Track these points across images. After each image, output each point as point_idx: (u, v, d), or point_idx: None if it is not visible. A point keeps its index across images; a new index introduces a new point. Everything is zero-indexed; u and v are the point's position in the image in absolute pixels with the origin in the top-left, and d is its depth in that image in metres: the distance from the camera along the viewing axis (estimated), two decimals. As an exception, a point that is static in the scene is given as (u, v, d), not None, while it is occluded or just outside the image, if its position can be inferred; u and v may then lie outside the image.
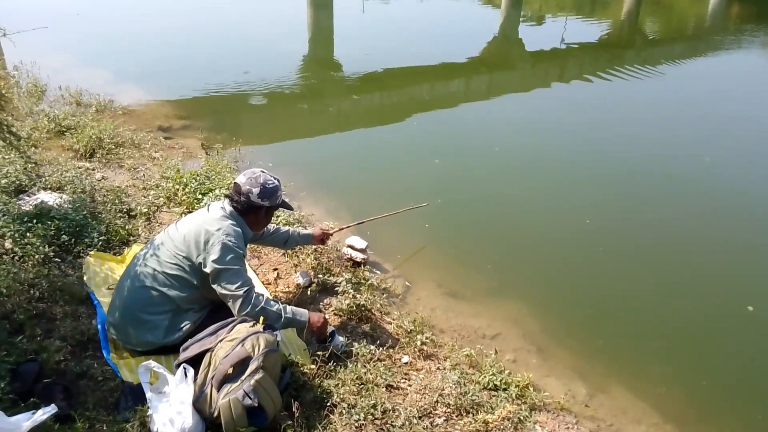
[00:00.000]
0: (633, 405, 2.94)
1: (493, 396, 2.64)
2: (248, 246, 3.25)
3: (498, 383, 2.71)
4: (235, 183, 2.57)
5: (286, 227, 3.28)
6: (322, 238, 3.31)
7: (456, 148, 6.11)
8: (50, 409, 1.84)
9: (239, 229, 2.49)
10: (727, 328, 3.58)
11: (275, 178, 2.61)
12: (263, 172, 2.59)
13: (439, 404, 2.49)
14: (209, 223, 2.43)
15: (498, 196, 5.04)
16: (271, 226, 3.02)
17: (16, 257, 2.85)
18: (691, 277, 4.07)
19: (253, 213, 2.58)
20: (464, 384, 2.63)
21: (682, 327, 3.56)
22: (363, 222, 3.71)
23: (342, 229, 3.62)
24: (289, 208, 2.82)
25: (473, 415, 2.43)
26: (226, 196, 2.61)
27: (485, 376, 2.74)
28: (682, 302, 3.77)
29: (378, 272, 3.62)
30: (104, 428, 1.94)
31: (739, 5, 18.81)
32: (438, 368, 2.82)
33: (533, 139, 6.44)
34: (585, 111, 7.75)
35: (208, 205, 2.58)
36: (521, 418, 2.49)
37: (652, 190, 5.29)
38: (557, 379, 3.03)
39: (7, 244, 2.91)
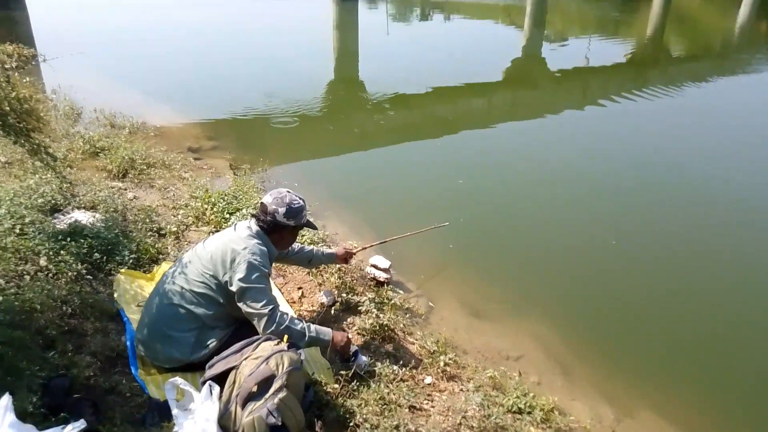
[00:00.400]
0: (662, 431, 2.86)
1: (518, 419, 2.61)
2: (274, 265, 3.30)
3: (522, 406, 2.68)
4: (261, 203, 2.62)
5: (311, 246, 3.32)
6: (346, 257, 3.34)
7: (479, 167, 6.12)
8: (79, 424, 1.87)
9: (265, 248, 2.53)
10: None
11: (301, 198, 2.65)
12: (289, 192, 2.64)
13: (462, 426, 2.46)
14: (236, 242, 2.48)
15: (521, 215, 5.03)
16: (296, 245, 3.06)
17: (50, 274, 2.94)
18: (727, 298, 3.94)
19: (279, 232, 2.62)
20: (488, 406, 2.60)
21: (718, 350, 3.46)
22: (385, 241, 3.73)
23: (365, 248, 3.65)
24: (314, 227, 2.86)
25: (497, 438, 2.40)
26: (253, 215, 2.66)
27: (509, 399, 2.70)
28: (717, 324, 3.67)
29: (401, 292, 3.62)
30: (131, 443, 1.97)
31: (768, 22, 18.56)
32: (461, 390, 2.80)
33: (556, 159, 6.40)
34: (608, 131, 7.71)
35: (235, 225, 2.64)
36: (546, 442, 2.45)
37: (681, 211, 5.19)
38: (583, 402, 2.98)
39: (42, 262, 3.00)
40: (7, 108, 2.37)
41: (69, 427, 1.86)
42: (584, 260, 4.33)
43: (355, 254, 3.45)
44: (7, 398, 1.79)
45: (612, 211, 5.18)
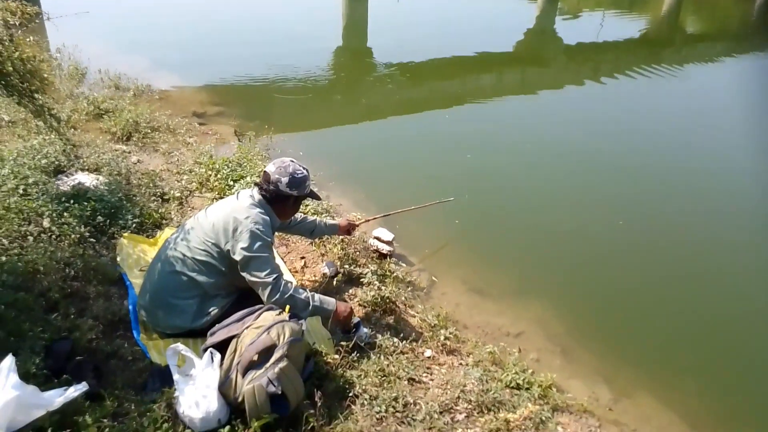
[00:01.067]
0: (659, 413, 2.88)
1: (516, 395, 2.62)
2: (276, 234, 3.29)
3: (521, 382, 2.69)
4: (264, 171, 2.59)
5: (314, 217, 3.30)
6: (348, 228, 3.32)
7: (486, 143, 6.05)
8: (81, 387, 1.89)
9: (267, 218, 2.51)
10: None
11: (304, 168, 2.62)
12: (292, 161, 2.61)
13: (460, 400, 2.48)
14: (238, 211, 2.46)
15: (528, 193, 4.98)
16: (299, 215, 3.04)
17: (54, 236, 2.94)
18: (732, 284, 3.93)
19: (281, 202, 2.60)
20: (486, 381, 2.62)
21: (719, 337, 3.46)
22: (389, 214, 3.71)
23: (368, 220, 3.63)
24: (317, 198, 2.83)
25: (494, 413, 2.41)
26: (256, 184, 2.63)
27: (508, 375, 2.72)
28: (720, 311, 3.65)
29: (404, 265, 3.62)
30: (132, 408, 1.99)
31: (789, 2, 18.08)
32: (460, 364, 2.81)
33: (566, 137, 6.32)
34: (619, 109, 7.57)
35: (237, 193, 2.61)
36: (543, 418, 2.46)
37: (690, 193, 5.14)
38: (581, 381, 2.99)
39: (45, 223, 3.00)
40: (11, 68, 2.33)
41: (71, 389, 1.87)
42: (590, 241, 4.29)
43: (358, 226, 3.44)
44: (10, 359, 1.80)
45: (621, 191, 5.11)
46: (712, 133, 6.68)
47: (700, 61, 10.13)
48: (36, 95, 2.55)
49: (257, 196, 2.56)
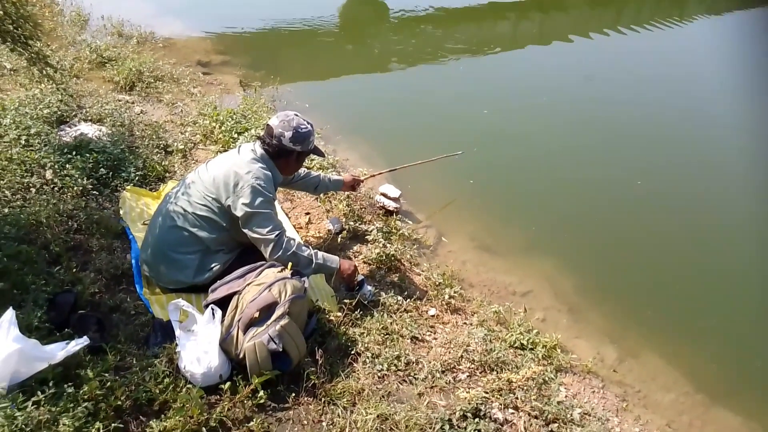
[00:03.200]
0: (664, 372, 2.88)
1: (519, 355, 2.61)
2: (281, 189, 3.24)
3: (525, 342, 2.68)
4: (267, 125, 2.51)
5: (318, 172, 3.23)
6: (353, 184, 3.25)
7: (501, 96, 5.89)
8: (83, 341, 1.89)
9: (269, 173, 2.45)
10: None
11: (309, 123, 2.53)
12: (297, 115, 2.52)
13: (463, 360, 2.47)
14: (239, 165, 2.39)
15: (541, 150, 4.85)
16: (302, 171, 2.97)
17: (56, 188, 2.91)
18: (743, 249, 3.86)
19: (284, 157, 2.53)
20: (490, 341, 2.61)
21: (727, 300, 3.41)
22: (395, 169, 3.62)
23: (374, 175, 3.55)
24: (321, 154, 2.75)
25: (497, 373, 2.41)
26: (258, 137, 2.56)
27: (512, 335, 2.71)
28: (729, 275, 3.60)
29: (410, 222, 3.57)
30: (134, 362, 1.99)
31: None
32: (465, 323, 2.80)
33: (582, 91, 6.13)
34: (641, 62, 7.31)
35: (239, 147, 2.54)
36: (546, 379, 2.46)
37: (711, 155, 4.97)
38: (586, 341, 2.99)
39: (48, 175, 2.96)
40: (2, 12, 2.23)
41: (72, 343, 1.87)
42: (605, 200, 4.22)
43: (363, 181, 3.37)
44: (11, 313, 1.80)
45: (642, 150, 4.94)
46: (736, 92, 6.43)
47: (726, 10, 9.66)
48: (30, 42, 2.46)
49: (259, 151, 2.49)
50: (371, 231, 3.19)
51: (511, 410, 2.25)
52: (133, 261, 2.61)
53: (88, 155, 3.21)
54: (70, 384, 1.76)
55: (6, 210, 2.59)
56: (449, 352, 2.51)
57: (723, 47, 8.16)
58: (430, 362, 2.39)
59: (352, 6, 9.09)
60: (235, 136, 3.94)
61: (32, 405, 1.64)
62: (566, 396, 2.44)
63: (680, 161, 4.79)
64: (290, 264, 2.28)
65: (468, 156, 4.14)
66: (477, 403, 2.17)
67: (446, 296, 2.90)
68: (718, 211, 4.18)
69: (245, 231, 2.39)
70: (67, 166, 3.06)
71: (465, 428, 2.08)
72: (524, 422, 2.21)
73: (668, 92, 6.23)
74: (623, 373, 2.80)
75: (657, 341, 3.05)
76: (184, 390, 1.92)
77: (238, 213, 2.35)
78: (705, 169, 4.69)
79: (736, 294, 3.46)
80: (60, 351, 1.83)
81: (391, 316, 2.60)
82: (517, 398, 2.28)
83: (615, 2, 10.32)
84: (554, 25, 9.17)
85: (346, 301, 2.53)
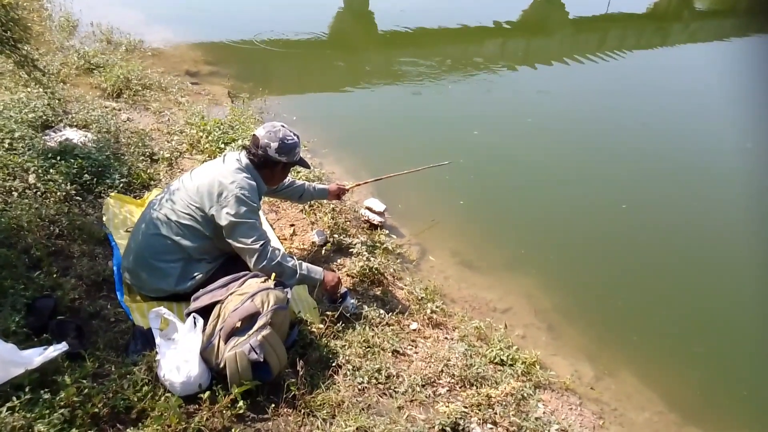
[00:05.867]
0: (639, 391, 2.91)
1: (499, 371, 2.63)
2: (265, 199, 3.25)
3: (505, 358, 2.70)
4: (253, 135, 2.53)
5: (302, 181, 3.24)
6: (338, 193, 3.27)
7: (488, 115, 5.94)
8: (61, 347, 1.87)
9: (253, 183, 2.45)
10: (752, 323, 3.47)
11: (295, 134, 2.55)
12: (283, 126, 2.54)
13: (443, 374, 2.49)
14: (223, 175, 2.40)
15: (527, 168, 4.92)
16: (287, 179, 2.97)
17: (39, 193, 2.88)
18: (717, 267, 3.94)
19: (269, 168, 2.54)
20: (471, 356, 2.62)
21: (701, 319, 3.47)
22: (380, 179, 3.63)
23: (359, 185, 3.57)
24: (306, 166, 2.77)
25: (477, 388, 2.42)
26: (244, 147, 2.57)
27: (493, 350, 2.73)
28: (704, 294, 3.67)
29: (394, 236, 3.59)
30: (113, 369, 1.97)
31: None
32: (446, 338, 2.82)
33: (569, 113, 6.23)
34: (625, 86, 7.46)
35: (224, 156, 2.55)
36: (525, 395, 2.48)
37: (693, 178, 5.07)
38: (565, 358, 3.01)
39: (31, 179, 2.94)
40: (-9, 15, 2.23)
41: (50, 348, 1.85)
42: (588, 221, 4.26)
43: (348, 190, 3.38)
44: (-12, 317, 1.77)
45: (629, 174, 5.00)
46: (720, 115, 6.60)
47: (708, 39, 9.96)
48: (18, 45, 2.46)
49: (244, 161, 2.50)
50: (355, 244, 3.20)
51: (489, 425, 2.26)
52: (114, 268, 2.59)
53: (72, 161, 3.20)
54: (46, 390, 1.74)
55: (-13, 213, 2.57)
56: (430, 366, 2.52)
57: (709, 72, 8.38)
58: (410, 376, 2.40)
59: (342, 21, 9.20)
60: (222, 146, 3.95)
61: (6, 410, 1.63)
62: (544, 412, 2.46)
63: (665, 185, 4.87)
64: (273, 274, 2.29)
65: (454, 173, 4.20)
66: (456, 418, 2.18)
67: (428, 311, 2.91)
68: (697, 235, 4.25)
69: (229, 241, 2.39)
70: (51, 170, 3.04)
71: (443, 442, 2.09)
72: (502, 437, 2.23)
73: (655, 114, 6.37)
74: (600, 391, 2.83)
75: (633, 361, 3.09)
76: (162, 398, 1.91)
77: (223, 222, 2.35)
78: (688, 194, 4.78)
79: (714, 316, 3.51)
80: (37, 356, 1.81)
81: (373, 329, 2.60)
82: (496, 413, 2.30)
83: (599, 29, 10.57)
84: (540, 47, 9.36)
85: (328, 313, 2.53)
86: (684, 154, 5.48)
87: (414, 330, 2.79)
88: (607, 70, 8.05)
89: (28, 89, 3.92)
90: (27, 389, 1.71)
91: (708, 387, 3.00)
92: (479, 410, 2.29)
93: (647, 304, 3.51)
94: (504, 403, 2.37)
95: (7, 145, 3.15)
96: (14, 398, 1.65)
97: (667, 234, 4.21)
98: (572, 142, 5.51)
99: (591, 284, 3.64)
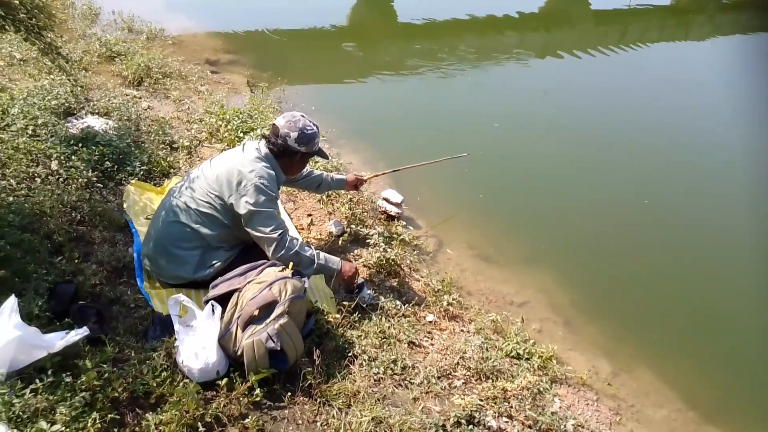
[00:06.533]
0: (657, 389, 2.89)
1: (515, 364, 2.62)
2: (284, 189, 3.25)
3: (521, 352, 2.69)
4: (273, 124, 2.53)
5: (320, 171, 3.24)
6: (356, 183, 3.26)
7: (506, 108, 5.88)
8: (83, 331, 1.89)
9: (272, 172, 2.46)
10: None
11: (314, 124, 2.55)
12: (303, 116, 2.54)
13: (459, 366, 2.48)
14: (243, 164, 2.41)
15: (544, 162, 4.85)
16: (305, 170, 2.96)
17: (61, 179, 2.92)
18: (740, 266, 3.86)
19: (288, 157, 2.54)
20: (487, 349, 2.61)
21: (722, 318, 3.41)
22: (398, 170, 3.60)
23: (377, 175, 3.55)
24: (325, 157, 2.77)
25: (493, 381, 2.41)
26: (263, 136, 2.57)
27: (509, 344, 2.71)
28: (726, 292, 3.60)
29: (411, 228, 3.58)
30: (132, 354, 2.00)
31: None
32: (462, 330, 2.81)
33: (589, 106, 6.14)
34: (648, 79, 7.33)
35: (243, 145, 2.55)
36: (541, 389, 2.47)
37: (718, 173, 4.96)
38: (582, 354, 2.99)
39: (53, 165, 2.97)
40: (17, 1, 2.25)
41: (72, 333, 1.88)
42: (606, 217, 4.20)
43: (366, 181, 3.37)
44: (13, 300, 1.80)
45: (648, 168, 4.92)
46: (746, 110, 6.45)
47: (731, 32, 9.72)
48: (43, 32, 2.48)
49: (264, 150, 2.51)
50: (372, 235, 3.20)
51: (505, 418, 2.25)
52: (134, 254, 2.62)
53: (93, 148, 3.23)
54: (68, 373, 1.76)
55: (10, 198, 2.60)
56: (445, 359, 2.51)
57: (729, 67, 8.20)
58: (426, 367, 2.40)
59: (361, 10, 9.15)
60: (241, 135, 3.96)
61: (30, 392, 1.65)
62: (560, 407, 2.44)
63: (689, 180, 4.78)
64: (291, 263, 2.29)
65: (473, 166, 4.17)
66: (471, 410, 2.18)
67: (444, 303, 2.91)
68: (721, 232, 4.18)
69: (248, 229, 2.40)
70: (73, 157, 3.08)
71: (459, 434, 2.09)
72: (518, 431, 2.21)
73: (680, 109, 6.25)
74: (617, 387, 2.81)
75: (651, 358, 3.06)
76: (180, 384, 1.92)
77: (241, 211, 2.36)
78: (712, 189, 4.69)
79: (733, 315, 3.45)
80: (59, 340, 1.84)
81: (389, 320, 2.61)
82: (511, 407, 2.29)
83: (620, 21, 10.38)
84: (561, 40, 9.22)
85: (344, 303, 2.54)
86: (709, 149, 5.38)
87: (430, 322, 2.79)
88: (629, 62, 7.93)
89: (51, 76, 3.97)
90: (49, 372, 1.73)
91: (729, 387, 2.96)
92: (495, 403, 2.28)
93: (667, 301, 3.47)
94: (520, 396, 2.36)
95: (30, 132, 3.19)
96: (37, 380, 1.68)
97: (690, 230, 4.15)
98: (594, 136, 5.44)
99: (609, 280, 3.60)
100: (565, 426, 2.30)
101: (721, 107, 6.53)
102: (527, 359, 2.67)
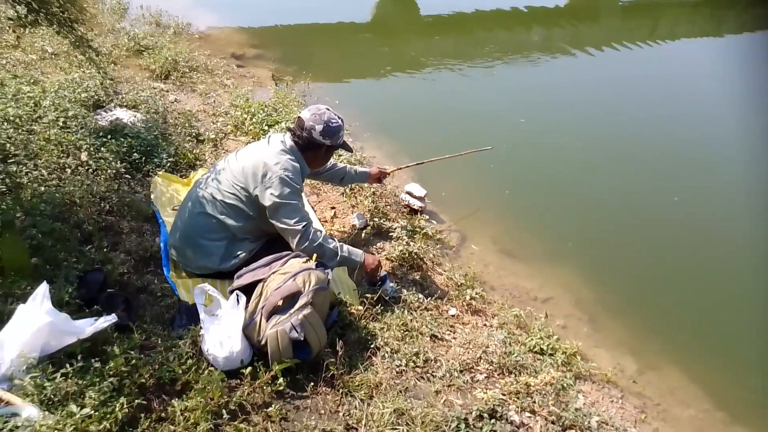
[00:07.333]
0: (684, 387, 2.83)
1: (538, 360, 2.60)
2: (308, 182, 3.27)
3: (544, 347, 2.66)
4: (298, 117, 2.54)
5: (344, 164, 3.24)
6: (379, 177, 3.27)
7: (534, 101, 5.79)
8: (111, 318, 1.93)
9: (297, 165, 2.48)
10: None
11: (339, 117, 2.56)
12: (328, 109, 2.54)
13: (482, 361, 2.46)
14: (268, 156, 2.43)
15: (570, 158, 4.78)
16: (329, 162, 2.98)
17: (90, 170, 2.98)
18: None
19: (313, 150, 2.55)
20: (510, 344, 2.60)
21: (754, 319, 3.31)
22: (422, 163, 3.58)
23: (400, 168, 3.54)
24: (349, 150, 2.77)
25: (515, 376, 2.39)
26: (289, 129, 2.59)
27: (532, 339, 2.69)
28: (758, 293, 3.49)
29: (434, 222, 3.57)
30: (159, 342, 2.03)
31: None
32: (485, 325, 2.79)
33: (619, 101, 6.02)
34: (677, 73, 7.16)
35: (269, 137, 2.57)
36: (564, 385, 2.44)
37: (751, 170, 4.82)
38: (606, 350, 2.95)
39: (83, 157, 3.04)
40: (50, -5, 2.30)
41: (101, 320, 1.92)
42: (634, 214, 4.11)
43: (389, 174, 3.37)
44: (45, 287, 1.85)
45: (678, 165, 4.80)
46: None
47: (760, 28, 9.42)
48: (75, 25, 2.53)
49: (289, 142, 2.52)
50: (395, 228, 3.20)
51: (528, 414, 2.23)
52: (161, 245, 2.67)
53: (122, 139, 3.29)
54: (97, 359, 1.79)
55: (42, 188, 2.67)
56: (468, 353, 2.50)
57: (763, 63, 7.96)
58: (448, 361, 2.39)
59: (384, 5, 9.12)
60: (266, 128, 3.99)
61: (60, 376, 1.68)
62: (584, 403, 2.42)
63: (717, 179, 4.65)
64: (315, 255, 2.30)
65: (497, 161, 4.13)
66: (494, 405, 2.16)
67: (467, 297, 2.89)
68: (748, 230, 4.06)
69: (272, 221, 2.42)
70: (102, 149, 3.14)
71: (481, 428, 2.07)
72: (541, 426, 2.19)
73: (710, 107, 6.10)
74: (643, 385, 2.77)
75: (678, 356, 3.00)
76: (206, 372, 1.95)
77: (266, 203, 2.38)
78: (741, 190, 4.56)
79: (762, 314, 3.36)
80: (89, 327, 1.88)
81: (411, 313, 2.60)
82: (534, 402, 2.27)
83: (649, 16, 10.16)
84: (588, 34, 9.05)
85: (367, 295, 2.54)
86: (742, 145, 5.23)
87: (452, 316, 2.78)
88: (660, 57, 7.74)
89: (81, 70, 4.05)
90: (79, 357, 1.77)
91: (762, 388, 2.87)
92: (518, 398, 2.27)
93: (695, 300, 3.40)
94: (543, 392, 2.33)
95: (61, 124, 3.26)
96: (67, 365, 1.72)
97: (720, 228, 4.04)
98: (621, 132, 5.33)
99: (636, 277, 3.53)
100: (589, 422, 2.27)
101: (754, 104, 6.34)
102: (551, 355, 2.65)
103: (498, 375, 2.42)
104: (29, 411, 1.58)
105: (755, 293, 3.49)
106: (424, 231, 3.33)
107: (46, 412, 1.60)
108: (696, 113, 5.89)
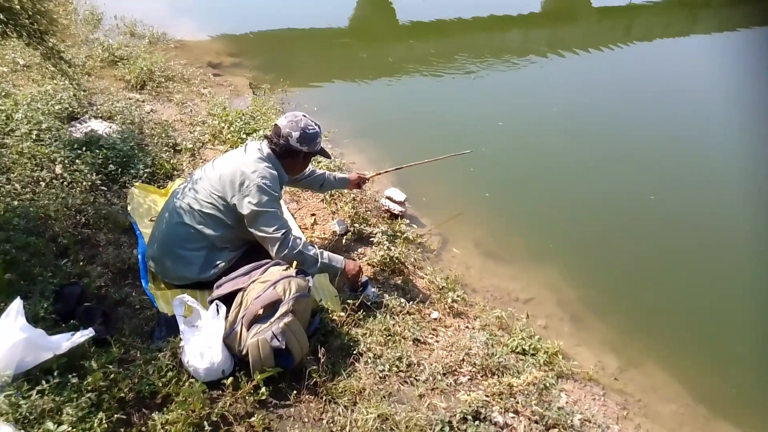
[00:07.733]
0: (665, 383, 2.87)
1: (521, 360, 2.61)
2: (287, 189, 3.26)
3: (527, 348, 2.68)
4: (275, 125, 2.54)
5: (323, 170, 3.24)
6: (359, 182, 3.27)
7: (511, 106, 5.84)
8: (88, 332, 1.90)
9: (275, 172, 2.47)
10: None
11: (316, 124, 2.56)
12: (305, 116, 2.54)
13: (464, 363, 2.48)
14: (245, 164, 2.41)
15: (549, 160, 4.82)
16: (308, 169, 2.96)
17: (65, 183, 2.94)
18: (748, 261, 3.81)
19: (291, 157, 2.55)
20: (492, 345, 2.61)
21: (732, 313, 3.38)
22: (401, 167, 3.59)
23: (380, 173, 3.55)
24: (327, 156, 2.77)
25: (498, 377, 2.41)
26: (265, 137, 2.58)
27: (514, 340, 2.71)
28: (735, 288, 3.57)
29: (415, 226, 3.58)
30: (138, 355, 2.01)
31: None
32: (467, 327, 2.81)
33: (594, 102, 6.10)
34: (653, 75, 7.28)
35: (246, 146, 2.56)
36: (547, 384, 2.46)
37: (725, 168, 4.92)
38: (588, 349, 2.98)
39: (58, 169, 3.00)
40: (18, 6, 2.27)
41: (78, 334, 1.89)
42: (612, 213, 4.17)
43: (368, 179, 3.37)
44: (18, 302, 1.82)
45: (653, 164, 4.87)
46: (753, 106, 6.41)
47: (738, 26, 9.64)
48: (45, 37, 2.49)
49: (266, 150, 2.51)
50: (376, 234, 3.20)
51: (511, 414, 2.25)
52: (139, 256, 2.64)
53: (97, 151, 3.25)
54: (74, 374, 1.77)
55: (16, 202, 2.62)
56: (451, 355, 2.51)
57: (737, 61, 8.15)
58: (431, 364, 2.39)
59: (362, 11, 9.14)
60: (244, 136, 3.97)
61: (36, 394, 1.66)
62: (567, 402, 2.44)
63: (695, 177, 4.74)
64: (295, 262, 2.30)
65: (477, 164, 4.16)
66: (477, 406, 2.17)
67: (449, 300, 2.90)
68: (727, 227, 4.14)
69: (251, 230, 2.41)
70: (77, 161, 3.10)
71: (465, 430, 2.08)
72: (524, 426, 2.21)
73: (685, 104, 6.21)
74: (624, 382, 2.80)
75: (659, 353, 3.04)
76: (186, 384, 1.93)
77: (245, 211, 2.37)
78: (719, 184, 4.66)
79: (741, 310, 3.42)
80: (65, 341, 1.85)
81: (393, 318, 2.60)
82: (517, 402, 2.28)
83: (625, 17, 10.34)
84: (564, 37, 9.18)
85: (349, 301, 2.53)
86: (717, 144, 5.34)
87: (435, 319, 2.79)
88: (635, 58, 7.88)
89: (55, 81, 4.00)
90: (56, 373, 1.75)
91: (740, 383, 2.92)
92: (501, 399, 2.28)
93: (675, 297, 3.44)
94: (526, 392, 2.35)
95: (34, 136, 3.21)
96: (44, 382, 1.69)
97: (697, 226, 4.11)
98: (599, 133, 5.41)
99: (617, 276, 3.57)
100: (571, 421, 2.29)
101: (729, 102, 6.48)
102: (533, 355, 2.67)
103: (481, 377, 2.43)
104: (4, 430, 1.55)
105: (736, 290, 3.56)
106: (405, 235, 3.34)
107: (22, 431, 1.57)
108: (674, 112, 6.00)
